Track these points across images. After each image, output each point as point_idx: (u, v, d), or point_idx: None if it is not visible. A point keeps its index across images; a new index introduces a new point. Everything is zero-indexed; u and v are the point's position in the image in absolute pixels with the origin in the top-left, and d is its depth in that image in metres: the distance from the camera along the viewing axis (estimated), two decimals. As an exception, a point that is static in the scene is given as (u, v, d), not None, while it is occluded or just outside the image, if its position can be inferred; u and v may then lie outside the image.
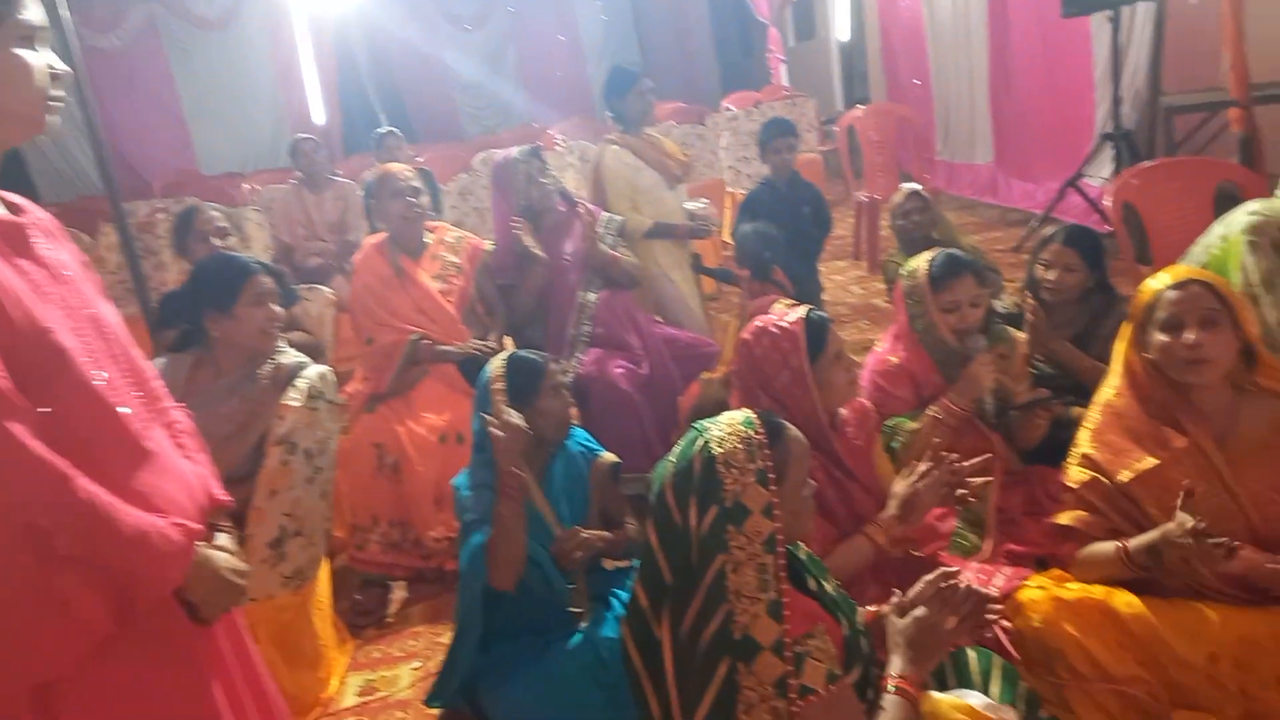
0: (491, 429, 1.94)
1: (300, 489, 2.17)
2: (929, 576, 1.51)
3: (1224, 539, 1.61)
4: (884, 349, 2.55)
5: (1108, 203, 2.98)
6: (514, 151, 3.20)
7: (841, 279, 5.78)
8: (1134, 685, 1.74)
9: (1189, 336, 1.76)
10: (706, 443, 1.37)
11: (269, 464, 2.12)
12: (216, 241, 3.08)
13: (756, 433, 1.37)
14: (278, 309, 2.23)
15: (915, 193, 3.30)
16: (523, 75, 11.70)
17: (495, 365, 2.10)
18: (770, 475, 1.34)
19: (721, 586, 1.30)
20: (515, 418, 1.95)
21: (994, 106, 6.90)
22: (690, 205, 3.71)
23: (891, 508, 1.90)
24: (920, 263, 2.44)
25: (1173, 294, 1.80)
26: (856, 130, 6.05)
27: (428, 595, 2.78)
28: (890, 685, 1.39)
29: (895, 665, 1.42)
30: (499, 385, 2.04)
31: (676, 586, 1.36)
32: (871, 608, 1.65)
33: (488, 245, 3.21)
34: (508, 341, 3.22)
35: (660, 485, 1.40)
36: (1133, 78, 4.69)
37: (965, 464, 1.90)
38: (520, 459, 1.93)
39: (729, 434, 1.37)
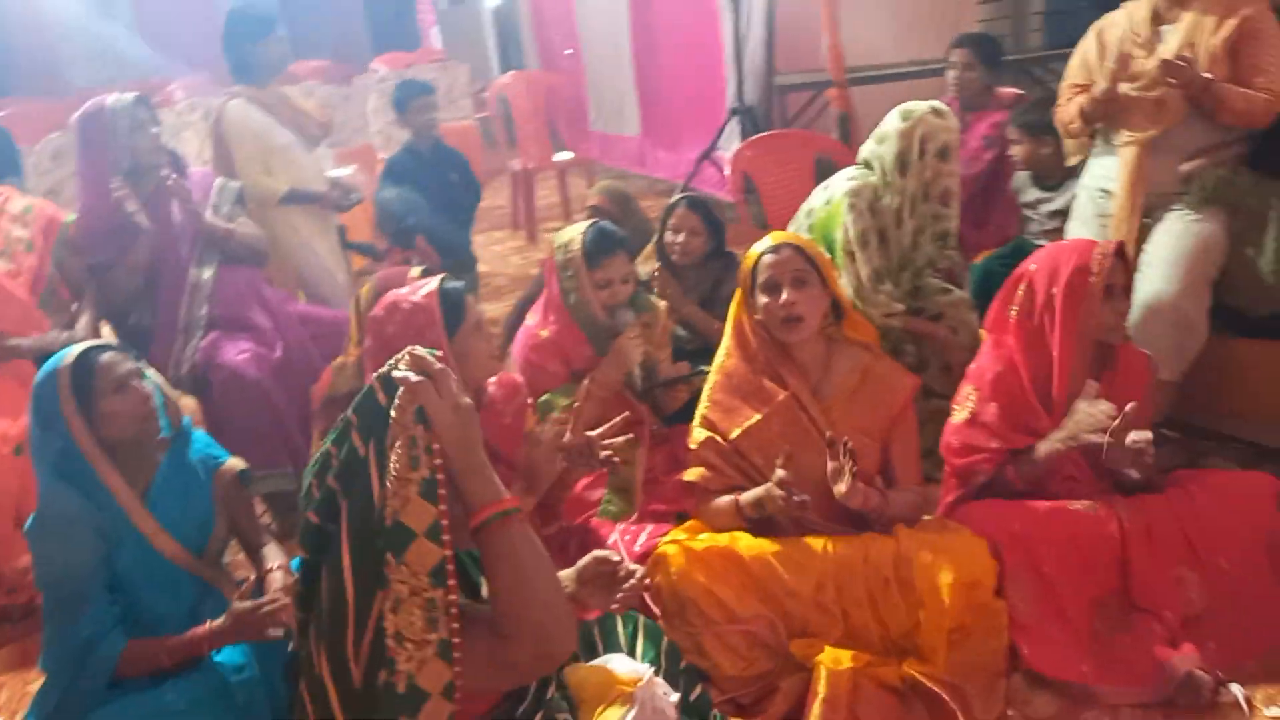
0: None
1: None
2: (596, 554, 1.47)
3: (803, 496, 1.80)
4: (534, 322, 2.52)
5: (728, 173, 3.18)
6: (109, 99, 2.72)
7: (500, 249, 5.74)
8: (757, 623, 1.88)
9: (784, 296, 1.91)
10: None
11: None
12: None
13: (425, 428, 1.15)
14: None
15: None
16: (141, 21, 10.27)
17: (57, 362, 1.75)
18: (440, 488, 1.13)
19: (380, 630, 1.12)
20: None
21: (639, 80, 7.16)
22: (334, 173, 3.43)
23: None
24: (574, 236, 2.43)
25: (769, 258, 1.95)
26: (508, 98, 6.00)
27: (13, 637, 2.35)
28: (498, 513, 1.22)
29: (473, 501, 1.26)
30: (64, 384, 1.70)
31: (330, 617, 1.17)
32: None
33: (66, 216, 2.72)
34: (106, 330, 2.78)
35: (308, 488, 1.21)
36: (752, 57, 5.06)
37: (608, 430, 1.92)
38: None
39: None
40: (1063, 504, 1.94)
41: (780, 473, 1.81)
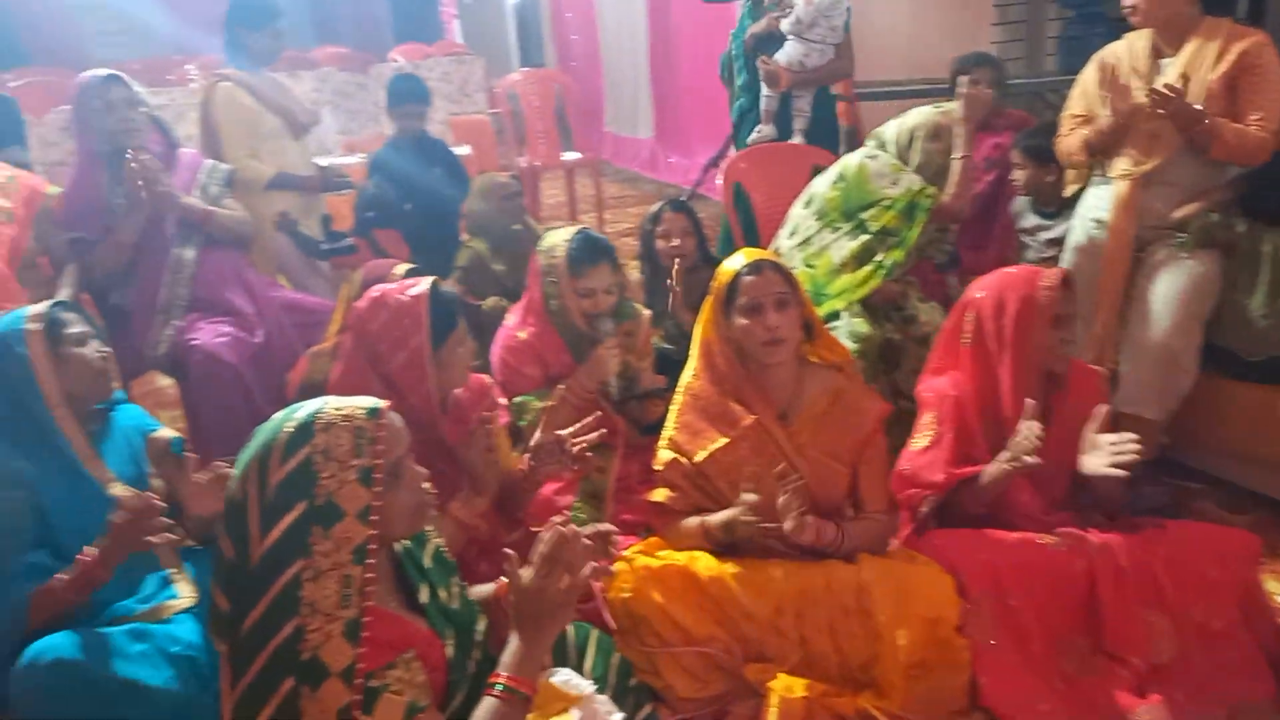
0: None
1: None
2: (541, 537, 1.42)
3: (773, 524, 1.77)
4: (513, 323, 2.49)
5: (719, 182, 3.16)
6: (88, 75, 2.70)
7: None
8: (712, 645, 1.84)
9: (770, 319, 1.86)
10: (310, 423, 1.18)
11: None
12: None
13: (376, 426, 1.20)
14: None
15: (514, 178, 3.31)
16: (167, -5, 10.27)
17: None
18: (377, 475, 1.19)
19: (295, 596, 1.13)
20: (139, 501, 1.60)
21: (655, 83, 7.16)
22: (323, 160, 3.41)
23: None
24: (559, 242, 2.40)
25: (750, 278, 1.89)
26: (518, 95, 5.98)
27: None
28: (496, 685, 1.23)
29: (504, 658, 1.27)
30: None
31: (240, 581, 1.17)
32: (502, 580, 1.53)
33: (50, 189, 2.70)
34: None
35: (245, 458, 1.20)
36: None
37: (580, 430, 1.88)
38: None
39: (340, 420, 1.19)
40: (1031, 537, 1.89)
41: (747, 497, 1.78)
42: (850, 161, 2.75)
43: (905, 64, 5.03)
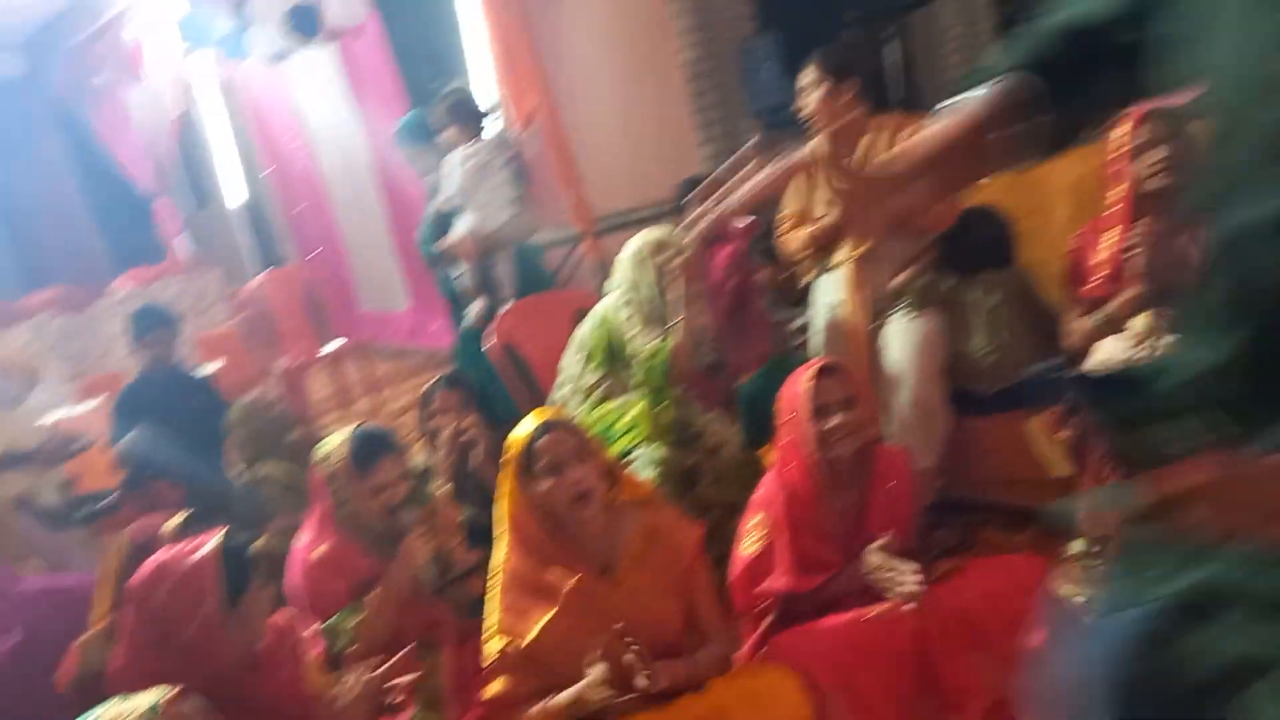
0: None
1: None
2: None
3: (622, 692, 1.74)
4: (304, 543, 2.34)
5: (487, 346, 3.20)
6: None
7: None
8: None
9: (573, 476, 1.86)
10: None
11: None
12: None
13: None
14: None
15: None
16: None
17: None
18: None
19: None
20: None
21: (402, 254, 7.16)
22: (49, 419, 3.13)
23: None
24: (335, 446, 2.30)
25: (544, 440, 1.89)
26: (261, 299, 5.82)
27: None
28: None
29: None
30: None
31: None
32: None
33: None
34: None
35: None
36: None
37: (388, 672, 1.78)
38: None
39: None
40: (861, 613, 1.98)
41: (592, 672, 1.74)
42: (606, 304, 2.87)
43: (634, 192, 5.37)
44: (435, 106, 3.65)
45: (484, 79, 5.28)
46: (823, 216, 2.82)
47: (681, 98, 5.33)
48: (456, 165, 3.59)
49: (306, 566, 2.28)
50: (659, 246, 2.83)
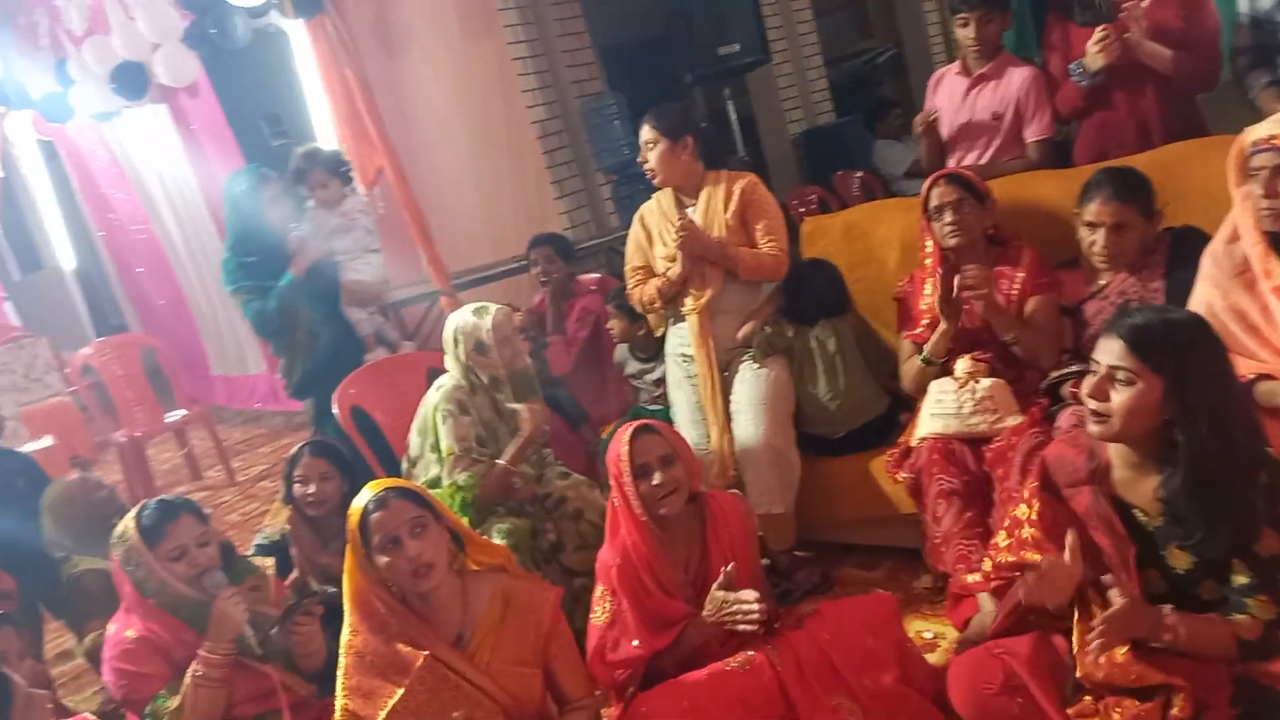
0: None
1: None
2: None
3: None
4: (114, 630, 2.16)
5: (335, 410, 3.10)
6: None
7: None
8: None
9: (410, 549, 1.80)
10: None
11: None
12: None
13: None
14: None
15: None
16: None
17: None
18: None
19: None
20: None
21: (253, 316, 6.90)
22: None
23: None
24: (126, 523, 2.13)
25: (379, 514, 1.83)
26: (95, 368, 5.44)
27: None
28: None
29: None
30: None
31: None
32: None
33: None
34: None
35: None
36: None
37: None
38: None
39: None
40: (718, 667, 1.98)
41: None
42: (433, 399, 2.78)
43: (493, 247, 5.37)
44: (295, 160, 3.56)
45: (328, 138, 5.19)
46: (666, 270, 2.88)
47: (535, 154, 5.38)
48: (319, 217, 3.51)
49: (121, 652, 2.10)
50: (474, 333, 2.74)
